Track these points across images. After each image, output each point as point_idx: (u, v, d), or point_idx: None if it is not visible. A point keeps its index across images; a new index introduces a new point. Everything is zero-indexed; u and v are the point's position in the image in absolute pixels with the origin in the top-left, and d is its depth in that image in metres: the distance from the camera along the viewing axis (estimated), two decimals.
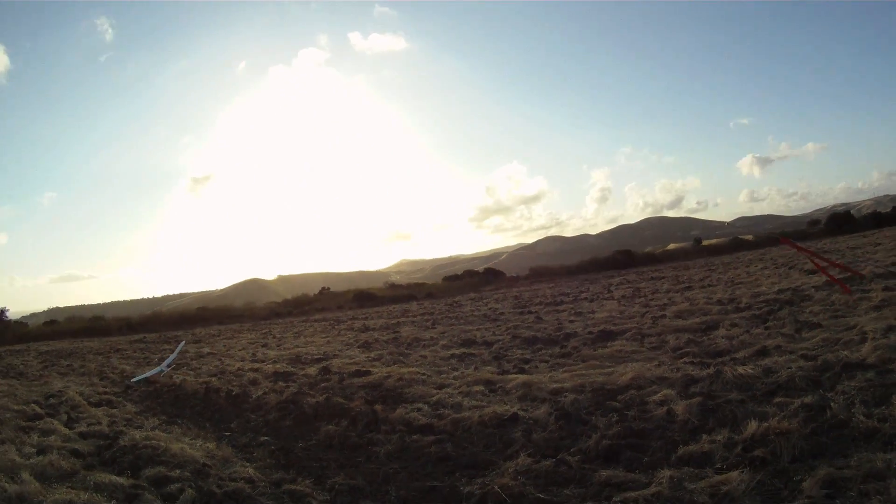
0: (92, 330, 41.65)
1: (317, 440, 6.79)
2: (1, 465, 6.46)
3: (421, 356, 12.04)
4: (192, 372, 14.12)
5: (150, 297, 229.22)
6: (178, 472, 5.89)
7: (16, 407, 10.69)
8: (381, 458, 5.83)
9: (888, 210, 49.93)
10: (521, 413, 6.11)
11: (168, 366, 14.11)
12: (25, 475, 5.93)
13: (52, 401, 11.48)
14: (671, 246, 64.84)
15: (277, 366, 13.07)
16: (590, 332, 12.03)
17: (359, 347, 15.49)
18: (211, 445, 6.96)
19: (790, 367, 6.37)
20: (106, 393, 12.44)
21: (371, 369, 10.56)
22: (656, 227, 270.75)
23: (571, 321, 14.98)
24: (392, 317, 26.62)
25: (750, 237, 52.88)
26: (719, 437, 4.68)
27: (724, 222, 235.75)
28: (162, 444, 6.78)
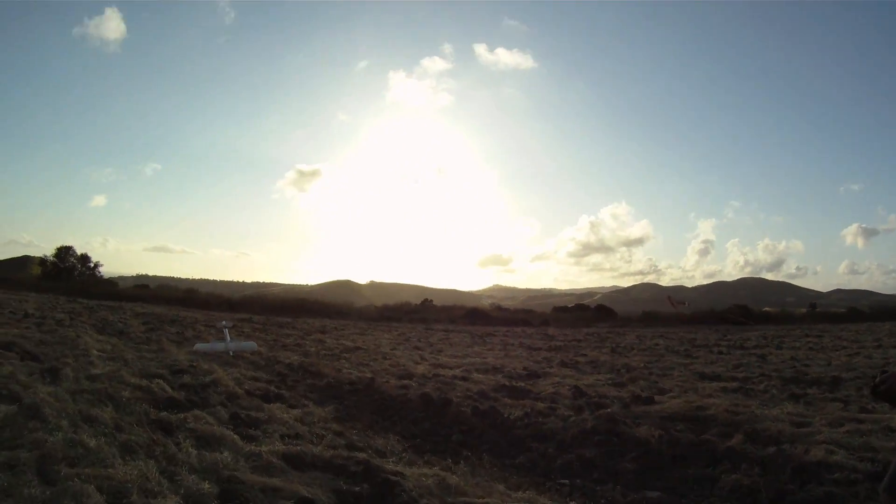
0: (186, 301, 39.08)
1: (718, 495, 5.11)
2: None
3: (677, 385, 11.07)
4: (364, 367, 12.07)
5: (240, 280, 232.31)
6: None
7: (133, 380, 7.37)
8: None
9: None
10: None
11: (232, 349, 12.40)
12: None
13: (185, 378, 8.29)
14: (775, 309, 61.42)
15: (490, 377, 11.05)
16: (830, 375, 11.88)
17: (559, 365, 14.08)
18: None
19: None
20: (258, 379, 9.50)
21: (655, 397, 9.14)
22: (752, 287, 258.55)
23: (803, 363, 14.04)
24: (539, 338, 25.01)
25: (867, 309, 50.12)
26: None
27: (820, 292, 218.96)
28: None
